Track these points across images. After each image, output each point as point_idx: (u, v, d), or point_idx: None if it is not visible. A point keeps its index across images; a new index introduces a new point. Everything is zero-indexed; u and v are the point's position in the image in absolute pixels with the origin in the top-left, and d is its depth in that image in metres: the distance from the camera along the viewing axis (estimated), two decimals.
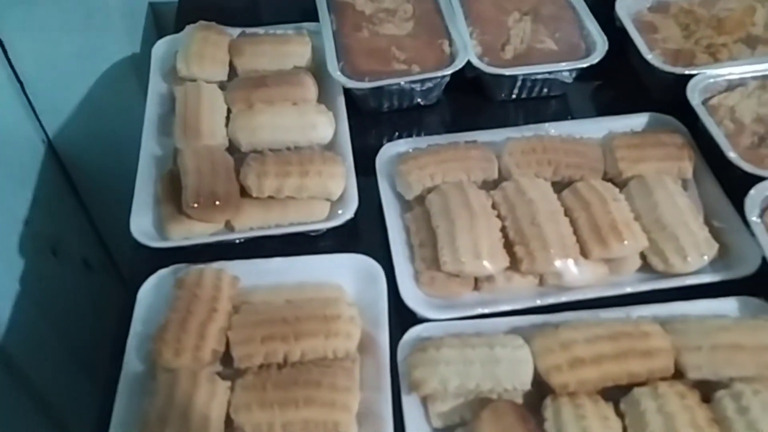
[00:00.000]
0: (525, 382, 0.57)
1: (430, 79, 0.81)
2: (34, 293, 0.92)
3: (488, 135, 0.78)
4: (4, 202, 0.90)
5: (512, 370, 0.57)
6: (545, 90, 0.86)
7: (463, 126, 0.82)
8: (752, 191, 0.67)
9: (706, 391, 0.57)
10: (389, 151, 0.77)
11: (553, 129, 0.79)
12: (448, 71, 0.81)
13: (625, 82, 0.87)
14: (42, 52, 0.94)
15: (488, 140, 0.77)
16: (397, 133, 0.84)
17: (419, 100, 0.85)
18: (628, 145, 0.74)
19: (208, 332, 0.60)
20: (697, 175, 0.74)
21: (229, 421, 0.57)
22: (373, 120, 0.86)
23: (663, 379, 0.57)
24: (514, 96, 0.86)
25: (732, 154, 0.71)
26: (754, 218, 0.66)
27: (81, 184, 1.14)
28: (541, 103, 0.87)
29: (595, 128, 0.79)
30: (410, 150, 0.76)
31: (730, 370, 0.56)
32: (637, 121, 0.79)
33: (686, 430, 0.53)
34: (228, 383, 0.58)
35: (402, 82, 0.81)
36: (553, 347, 0.58)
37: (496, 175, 0.74)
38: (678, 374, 0.58)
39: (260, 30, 0.90)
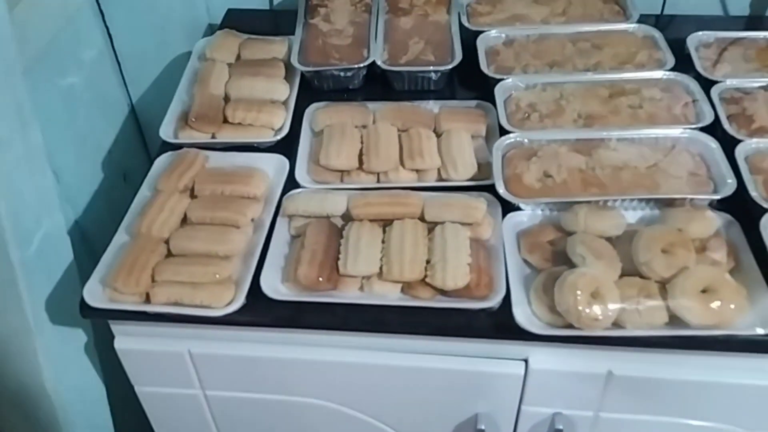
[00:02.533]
0: (339, 210, 1.07)
1: (349, 69, 1.34)
2: (108, 201, 1.43)
3: (374, 104, 1.29)
4: (97, 134, 1.45)
5: (333, 204, 1.07)
6: (426, 85, 1.36)
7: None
8: (498, 142, 1.14)
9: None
10: (313, 107, 1.30)
11: (422, 105, 1.29)
12: (361, 65, 1.33)
13: (476, 83, 1.36)
14: (134, 43, 1.53)
15: (373, 107, 1.28)
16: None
17: (348, 85, 1.38)
18: (449, 112, 1.24)
19: (190, 171, 1.14)
20: (489, 135, 1.22)
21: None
22: (318, 95, 1.38)
23: (412, 218, 1.05)
24: (407, 88, 1.37)
25: (504, 122, 1.18)
26: (498, 153, 1.13)
27: (148, 138, 1.71)
28: (425, 94, 1.37)
29: (445, 105, 1.28)
30: (323, 105, 1.29)
31: (447, 215, 1.04)
32: (470, 103, 1.28)
33: (410, 236, 1.00)
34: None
35: (333, 70, 1.34)
36: (358, 197, 1.07)
37: (371, 122, 1.25)
38: (423, 218, 1.06)
39: (260, 36, 1.46)
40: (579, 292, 0.89)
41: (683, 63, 1.30)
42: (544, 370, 1.02)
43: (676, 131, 1.13)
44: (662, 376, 0.99)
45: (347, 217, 1.08)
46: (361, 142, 1.20)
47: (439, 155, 1.17)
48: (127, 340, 1.09)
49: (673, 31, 1.50)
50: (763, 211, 1.00)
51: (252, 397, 1.14)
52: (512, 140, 1.15)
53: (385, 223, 1.06)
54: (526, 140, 1.15)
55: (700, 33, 1.34)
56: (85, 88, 1.37)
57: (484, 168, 1.15)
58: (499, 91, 1.25)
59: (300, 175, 1.17)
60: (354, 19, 1.46)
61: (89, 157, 1.38)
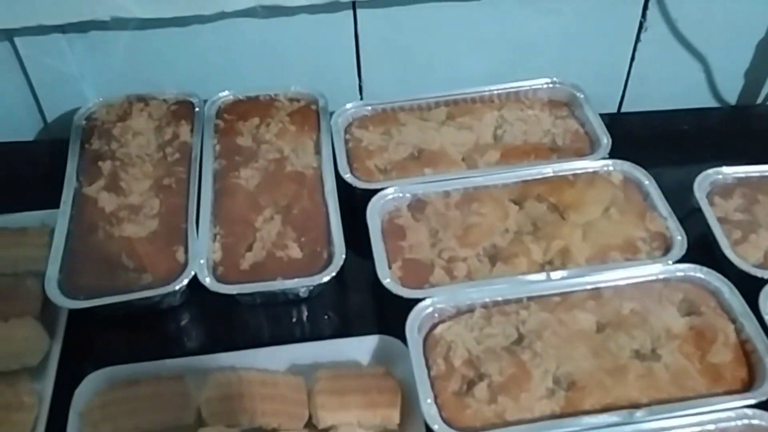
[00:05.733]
0: None
1: (150, 297, 0.76)
2: None
3: (196, 360, 0.73)
4: None
5: None
6: (291, 296, 0.81)
7: (207, 339, 0.80)
8: None
9: None
10: (85, 388, 0.71)
11: (283, 351, 0.74)
12: (173, 288, 0.76)
13: (368, 296, 0.82)
14: None
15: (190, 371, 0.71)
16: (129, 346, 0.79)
17: (158, 308, 0.80)
18: (332, 384, 0.69)
19: None
20: (407, 422, 0.69)
21: None
22: (108, 339, 0.80)
23: None
24: (259, 301, 0.82)
25: (429, 401, 0.66)
26: None
27: None
28: (290, 308, 0.82)
29: (325, 352, 0.74)
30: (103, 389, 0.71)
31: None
32: (366, 347, 0.74)
33: None
34: None
35: (120, 302, 0.76)
36: None
37: (192, 420, 0.69)
38: None
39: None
40: None
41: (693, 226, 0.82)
42: None
43: None
44: None
45: None
46: None
47: None
48: None
49: (646, 141, 1.03)
50: None
51: None
52: None
53: None
54: None
55: (711, 171, 0.86)
56: None
57: None
58: (412, 327, 0.72)
59: None
60: (162, 178, 0.87)
61: None
